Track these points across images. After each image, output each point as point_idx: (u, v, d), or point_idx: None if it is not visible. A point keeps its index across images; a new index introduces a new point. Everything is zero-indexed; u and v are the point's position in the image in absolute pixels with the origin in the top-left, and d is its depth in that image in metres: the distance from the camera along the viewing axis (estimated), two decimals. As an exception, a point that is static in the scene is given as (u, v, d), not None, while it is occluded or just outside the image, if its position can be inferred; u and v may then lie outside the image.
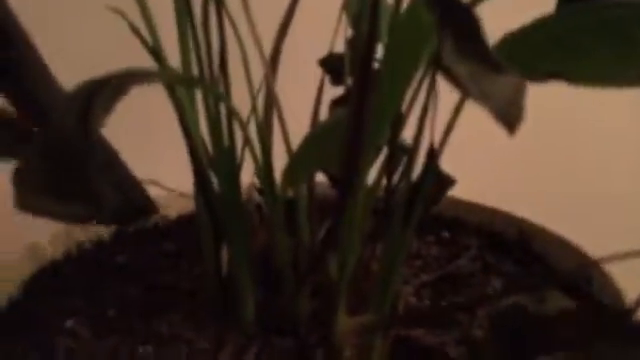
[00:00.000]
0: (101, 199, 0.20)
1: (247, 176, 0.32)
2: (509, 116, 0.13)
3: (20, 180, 0.19)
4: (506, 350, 0.16)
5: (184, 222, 0.39)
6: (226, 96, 0.24)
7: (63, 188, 0.19)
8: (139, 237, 0.37)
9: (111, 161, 0.20)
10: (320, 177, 0.33)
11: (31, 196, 0.19)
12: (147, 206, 0.21)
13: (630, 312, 0.13)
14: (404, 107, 0.25)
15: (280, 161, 0.27)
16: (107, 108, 0.17)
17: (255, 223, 0.33)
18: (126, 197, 0.20)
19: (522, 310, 0.16)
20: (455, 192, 0.37)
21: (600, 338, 0.15)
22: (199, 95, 0.28)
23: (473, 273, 0.32)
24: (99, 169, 0.20)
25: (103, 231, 0.36)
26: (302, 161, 0.25)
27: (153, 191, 0.39)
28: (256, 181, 0.34)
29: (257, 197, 0.35)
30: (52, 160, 0.18)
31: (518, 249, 0.35)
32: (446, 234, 0.37)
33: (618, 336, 0.15)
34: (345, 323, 0.26)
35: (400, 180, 0.25)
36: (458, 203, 0.38)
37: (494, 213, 0.36)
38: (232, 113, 0.24)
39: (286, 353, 0.26)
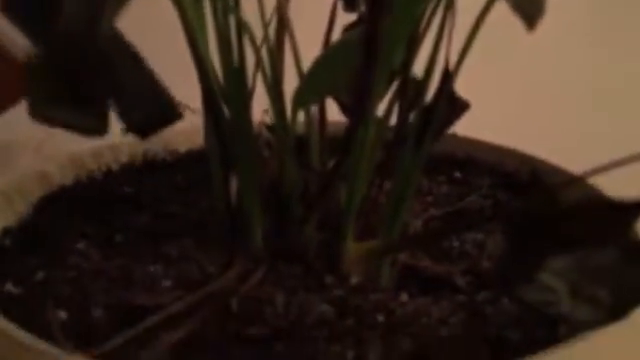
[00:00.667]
0: (121, 105, 0.20)
1: (257, 113, 0.32)
2: (529, 10, 0.13)
3: (33, 87, 0.19)
4: (517, 253, 0.16)
5: (194, 156, 0.39)
6: (235, 8, 0.24)
7: (77, 93, 0.19)
8: (148, 169, 0.37)
9: (134, 65, 0.20)
10: (331, 115, 0.32)
11: (45, 104, 0.19)
12: (173, 113, 0.20)
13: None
14: (420, 29, 0.24)
15: (291, 87, 0.27)
16: (119, 6, 0.16)
17: (265, 155, 0.32)
18: (151, 103, 0.19)
19: (531, 212, 0.15)
20: (468, 129, 0.36)
21: (612, 235, 0.15)
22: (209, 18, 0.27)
23: (483, 209, 0.32)
24: (119, 72, 0.19)
25: (112, 162, 0.36)
26: (313, 83, 0.24)
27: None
28: (267, 118, 0.34)
29: (267, 134, 0.35)
30: (64, 63, 0.18)
31: (531, 188, 0.35)
32: (458, 174, 0.37)
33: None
34: (353, 249, 0.26)
35: (413, 105, 0.25)
36: (471, 143, 0.38)
37: (507, 152, 0.36)
38: (242, 26, 0.23)
39: (293, 278, 0.26)
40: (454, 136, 0.39)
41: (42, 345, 0.20)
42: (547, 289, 0.19)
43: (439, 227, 0.19)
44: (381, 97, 0.27)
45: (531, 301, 0.18)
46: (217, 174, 0.29)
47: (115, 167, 0.36)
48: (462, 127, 0.27)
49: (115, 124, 0.41)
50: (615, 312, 0.18)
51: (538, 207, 0.16)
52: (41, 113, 0.19)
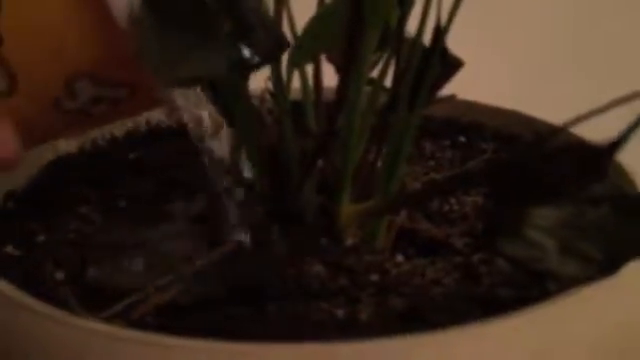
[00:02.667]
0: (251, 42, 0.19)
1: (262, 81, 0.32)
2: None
3: (153, 50, 0.18)
4: (501, 206, 0.16)
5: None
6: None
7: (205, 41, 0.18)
8: (153, 136, 0.37)
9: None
10: (328, 81, 0.32)
11: (170, 65, 0.19)
12: (284, 41, 0.20)
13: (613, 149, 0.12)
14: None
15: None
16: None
17: (265, 122, 0.32)
18: (270, 33, 0.19)
19: (512, 163, 0.15)
20: (471, 93, 0.36)
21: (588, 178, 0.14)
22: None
23: (482, 172, 0.32)
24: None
25: (116, 130, 0.36)
26: (306, 43, 0.24)
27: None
28: (269, 85, 0.34)
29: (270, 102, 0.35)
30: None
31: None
32: (462, 138, 0.37)
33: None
34: (348, 210, 0.26)
35: (407, 66, 0.25)
36: (476, 107, 0.37)
37: (512, 115, 0.35)
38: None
39: (289, 240, 0.26)
40: (459, 100, 0.38)
41: (43, 306, 0.21)
42: (535, 245, 0.18)
43: (431, 187, 0.19)
44: (376, 57, 0.27)
45: (518, 256, 0.18)
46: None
47: (119, 134, 0.36)
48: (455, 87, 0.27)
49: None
50: (605, 268, 0.18)
51: (519, 158, 0.15)
52: (171, 75, 0.19)
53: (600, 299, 0.18)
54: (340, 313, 0.21)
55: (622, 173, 0.23)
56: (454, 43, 0.26)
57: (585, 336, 0.17)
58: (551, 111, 0.37)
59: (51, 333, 0.18)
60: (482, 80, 0.31)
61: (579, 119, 0.13)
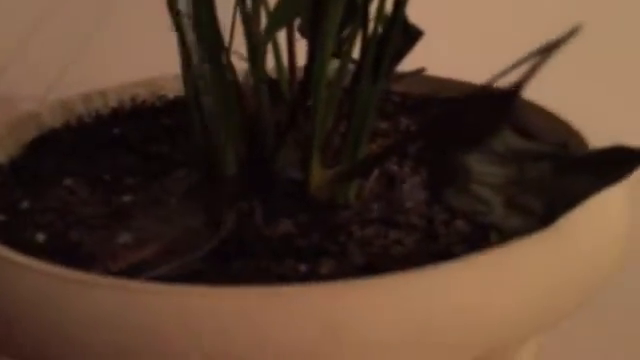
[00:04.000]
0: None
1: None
2: None
3: None
4: (436, 159, 0.17)
5: (182, 102, 0.40)
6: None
7: None
8: (137, 113, 0.38)
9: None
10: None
11: None
12: None
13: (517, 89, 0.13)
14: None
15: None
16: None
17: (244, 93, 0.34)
18: None
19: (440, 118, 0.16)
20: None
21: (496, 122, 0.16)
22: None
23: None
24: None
25: (102, 107, 0.37)
26: (278, 15, 0.25)
27: (153, 72, 0.41)
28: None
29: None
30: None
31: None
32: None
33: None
34: (318, 175, 0.27)
35: (372, 38, 0.26)
36: (453, 84, 0.39)
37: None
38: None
39: (261, 203, 0.27)
40: (437, 78, 0.39)
41: (33, 261, 0.22)
42: (482, 200, 0.20)
43: (385, 150, 0.20)
44: (347, 31, 0.29)
45: (464, 209, 0.19)
46: (195, 115, 0.31)
47: (104, 111, 0.37)
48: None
49: (105, 73, 0.43)
50: (545, 220, 0.19)
51: (443, 112, 0.16)
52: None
53: (539, 250, 0.19)
54: (303, 268, 0.22)
55: (570, 132, 0.24)
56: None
57: (524, 284, 0.18)
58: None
59: (30, 283, 0.20)
60: (461, 55, 0.32)
61: (505, 72, 0.14)
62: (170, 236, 0.25)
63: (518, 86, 0.13)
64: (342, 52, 0.28)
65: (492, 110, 0.15)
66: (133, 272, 0.22)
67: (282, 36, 0.31)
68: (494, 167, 0.20)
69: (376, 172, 0.29)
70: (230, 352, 0.16)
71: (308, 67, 0.24)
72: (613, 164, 0.19)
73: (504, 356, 0.21)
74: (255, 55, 0.29)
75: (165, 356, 0.17)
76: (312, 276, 0.21)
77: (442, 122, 0.16)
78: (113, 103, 0.38)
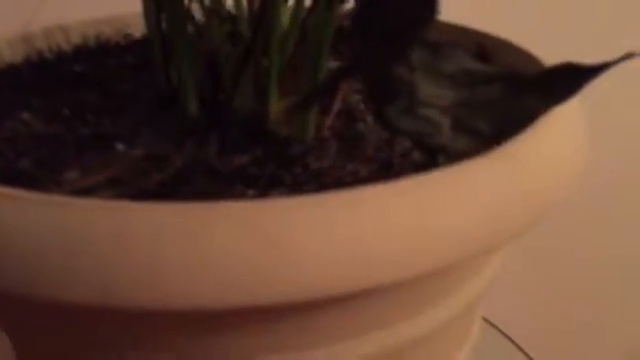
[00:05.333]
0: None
1: None
2: None
3: None
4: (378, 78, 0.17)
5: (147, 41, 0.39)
6: None
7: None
8: (100, 51, 0.37)
9: None
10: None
11: None
12: None
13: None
14: None
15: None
16: None
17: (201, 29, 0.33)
18: None
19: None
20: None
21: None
22: None
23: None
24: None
25: (63, 43, 0.36)
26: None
27: (119, 9, 0.40)
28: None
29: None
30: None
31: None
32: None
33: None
34: (276, 106, 0.27)
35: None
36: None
37: (455, 29, 0.36)
38: None
39: (220, 138, 0.27)
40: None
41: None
42: (430, 122, 0.19)
43: (344, 70, 0.20)
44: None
45: (411, 131, 0.19)
46: (157, 53, 0.30)
47: (67, 48, 0.36)
48: None
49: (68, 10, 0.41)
50: (493, 142, 0.19)
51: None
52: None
53: (484, 171, 0.19)
54: (251, 192, 0.22)
55: (526, 57, 0.23)
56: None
57: (469, 205, 0.18)
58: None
59: None
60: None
61: None
62: (119, 168, 0.24)
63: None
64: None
65: (414, 4, 0.14)
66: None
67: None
68: (443, 89, 0.20)
69: (337, 107, 0.29)
70: (167, 267, 0.16)
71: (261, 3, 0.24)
72: (562, 82, 0.19)
73: (455, 275, 0.21)
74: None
75: (102, 271, 0.17)
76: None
77: (363, 24, 0.15)
78: (76, 40, 0.37)
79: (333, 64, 0.34)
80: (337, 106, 0.28)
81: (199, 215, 0.16)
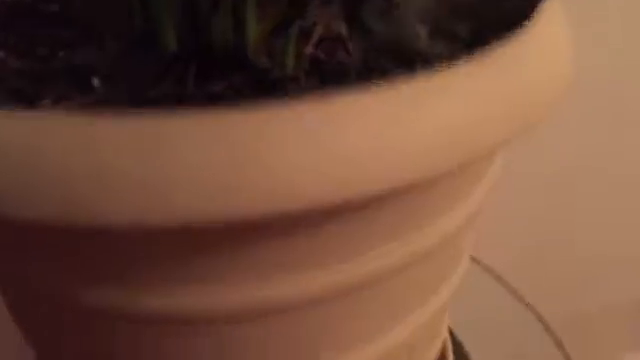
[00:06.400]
0: None
1: None
2: None
3: None
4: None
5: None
6: None
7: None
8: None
9: None
10: None
11: None
12: None
13: None
14: None
15: None
16: None
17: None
18: None
19: None
20: None
21: None
22: None
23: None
24: None
25: (40, -17, 0.35)
26: None
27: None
28: None
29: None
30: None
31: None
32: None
33: None
34: (254, 30, 0.26)
35: None
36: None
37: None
38: None
39: (199, 70, 0.26)
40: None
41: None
42: (406, 27, 0.18)
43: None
44: None
45: (387, 35, 0.18)
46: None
47: (42, -11, 0.35)
48: None
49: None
50: (473, 46, 0.18)
51: None
52: None
53: (463, 78, 0.18)
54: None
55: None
56: None
57: (447, 114, 0.17)
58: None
59: None
60: None
61: None
62: (91, 101, 0.24)
63: None
64: None
65: None
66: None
67: None
68: (420, -5, 0.19)
69: (318, 34, 0.28)
70: (126, 181, 0.15)
71: None
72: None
73: (446, 187, 0.20)
74: None
75: (59, 187, 0.16)
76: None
77: None
78: (52, -20, 0.36)
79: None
80: (318, 33, 0.27)
81: (158, 127, 0.15)
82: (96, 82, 0.25)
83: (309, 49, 0.27)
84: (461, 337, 0.47)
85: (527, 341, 0.46)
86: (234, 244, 0.18)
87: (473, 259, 0.50)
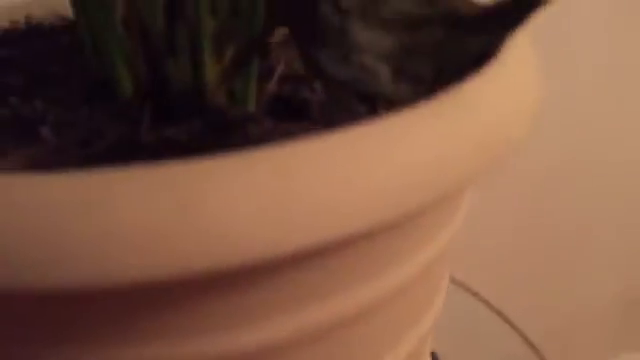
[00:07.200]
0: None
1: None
2: None
3: None
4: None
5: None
6: None
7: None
8: (31, 34, 0.35)
9: None
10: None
11: None
12: None
13: None
14: None
15: None
16: None
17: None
18: None
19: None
20: None
21: None
22: None
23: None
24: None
25: (-10, 27, 0.34)
26: None
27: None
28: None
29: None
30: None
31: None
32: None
33: None
34: (212, 71, 0.25)
35: None
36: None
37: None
38: None
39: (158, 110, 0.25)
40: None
41: None
42: (366, 69, 0.18)
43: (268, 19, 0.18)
44: None
45: (345, 79, 0.17)
46: (83, 31, 0.28)
47: (-7, 32, 0.34)
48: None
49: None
50: (436, 87, 0.17)
51: None
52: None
53: (427, 118, 0.17)
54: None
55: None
56: None
57: (411, 156, 0.17)
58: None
59: None
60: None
61: None
62: (39, 151, 0.22)
63: None
64: None
65: None
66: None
67: None
68: (380, 34, 0.18)
69: (278, 74, 0.27)
70: (69, 243, 0.14)
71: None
72: (505, 18, 0.17)
73: (400, 235, 0.19)
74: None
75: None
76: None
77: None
78: (4, 23, 0.35)
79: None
80: (279, 70, 0.26)
81: (101, 181, 0.14)
82: (45, 132, 0.24)
83: (272, 86, 0.26)
84: (438, 351, 0.46)
85: (507, 355, 0.45)
86: (183, 298, 0.17)
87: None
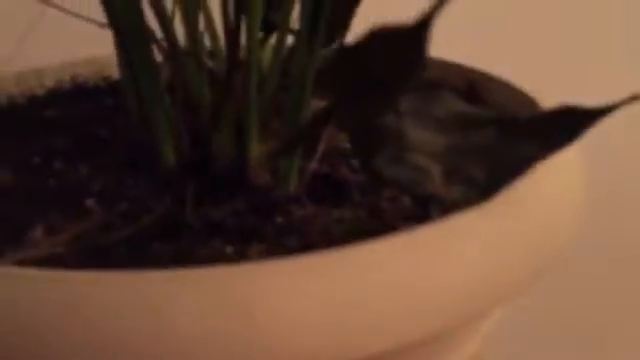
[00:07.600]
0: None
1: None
2: None
3: None
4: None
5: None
6: None
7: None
8: (76, 94, 0.36)
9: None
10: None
11: None
12: None
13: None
14: None
15: None
16: None
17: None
18: None
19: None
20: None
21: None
22: None
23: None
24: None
25: (37, 87, 0.35)
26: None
27: (94, 51, 0.38)
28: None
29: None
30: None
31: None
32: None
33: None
34: (257, 150, 0.25)
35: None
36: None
37: (441, 64, 0.35)
38: None
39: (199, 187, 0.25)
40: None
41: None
42: (419, 170, 0.18)
43: (317, 117, 0.18)
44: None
45: (400, 180, 0.17)
46: (131, 99, 0.29)
47: (40, 92, 0.35)
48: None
49: (39, 48, 0.40)
50: (488, 190, 0.18)
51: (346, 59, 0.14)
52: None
53: (480, 223, 0.17)
54: (229, 250, 0.20)
55: (522, 99, 0.22)
56: None
57: (465, 261, 0.17)
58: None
59: None
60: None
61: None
62: (86, 226, 0.22)
63: (427, 18, 0.11)
64: (280, 22, 0.26)
65: (400, 50, 0.13)
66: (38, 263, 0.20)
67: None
68: (433, 133, 0.18)
69: (321, 149, 0.27)
70: (129, 345, 0.14)
71: (231, 38, 0.22)
72: (560, 127, 0.18)
73: (450, 339, 0.19)
74: (190, 25, 0.27)
75: (54, 350, 0.15)
76: (238, 258, 0.19)
77: (345, 71, 0.14)
78: (50, 83, 0.36)
79: (318, 103, 0.32)
80: (321, 148, 0.26)
81: (160, 286, 0.14)
82: (91, 203, 0.25)
83: (313, 165, 0.27)
84: None
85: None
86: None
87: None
